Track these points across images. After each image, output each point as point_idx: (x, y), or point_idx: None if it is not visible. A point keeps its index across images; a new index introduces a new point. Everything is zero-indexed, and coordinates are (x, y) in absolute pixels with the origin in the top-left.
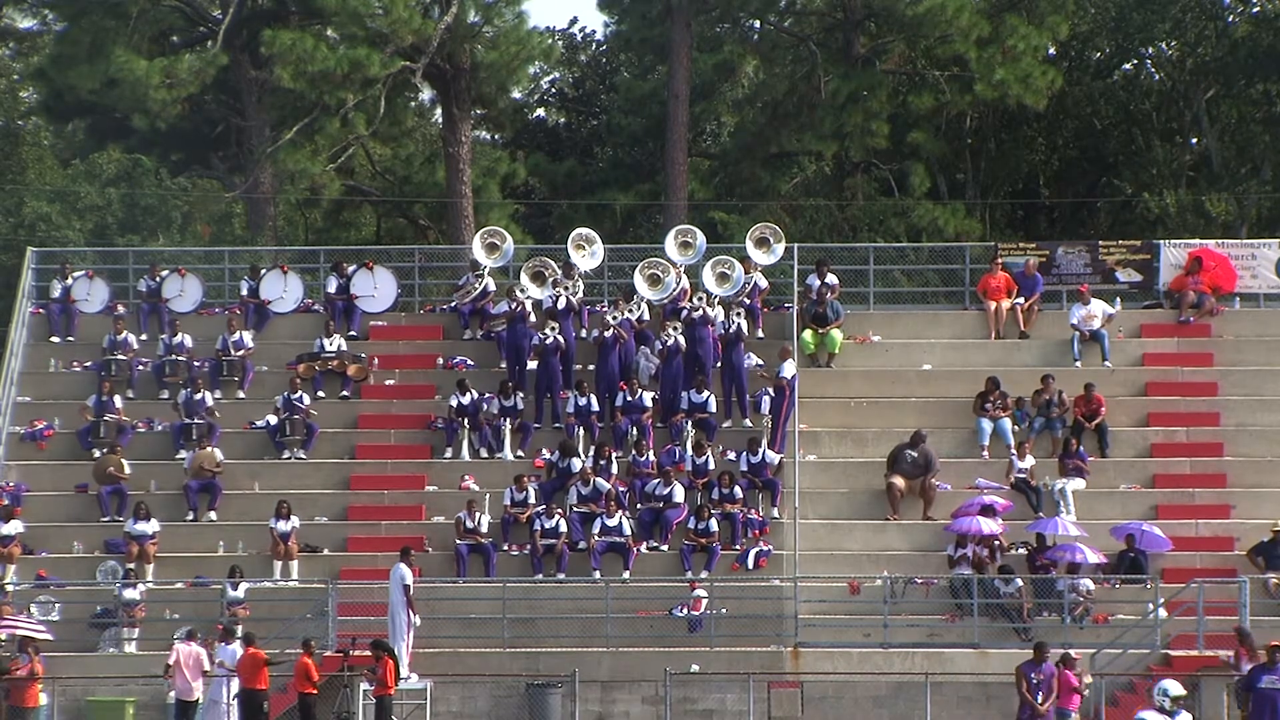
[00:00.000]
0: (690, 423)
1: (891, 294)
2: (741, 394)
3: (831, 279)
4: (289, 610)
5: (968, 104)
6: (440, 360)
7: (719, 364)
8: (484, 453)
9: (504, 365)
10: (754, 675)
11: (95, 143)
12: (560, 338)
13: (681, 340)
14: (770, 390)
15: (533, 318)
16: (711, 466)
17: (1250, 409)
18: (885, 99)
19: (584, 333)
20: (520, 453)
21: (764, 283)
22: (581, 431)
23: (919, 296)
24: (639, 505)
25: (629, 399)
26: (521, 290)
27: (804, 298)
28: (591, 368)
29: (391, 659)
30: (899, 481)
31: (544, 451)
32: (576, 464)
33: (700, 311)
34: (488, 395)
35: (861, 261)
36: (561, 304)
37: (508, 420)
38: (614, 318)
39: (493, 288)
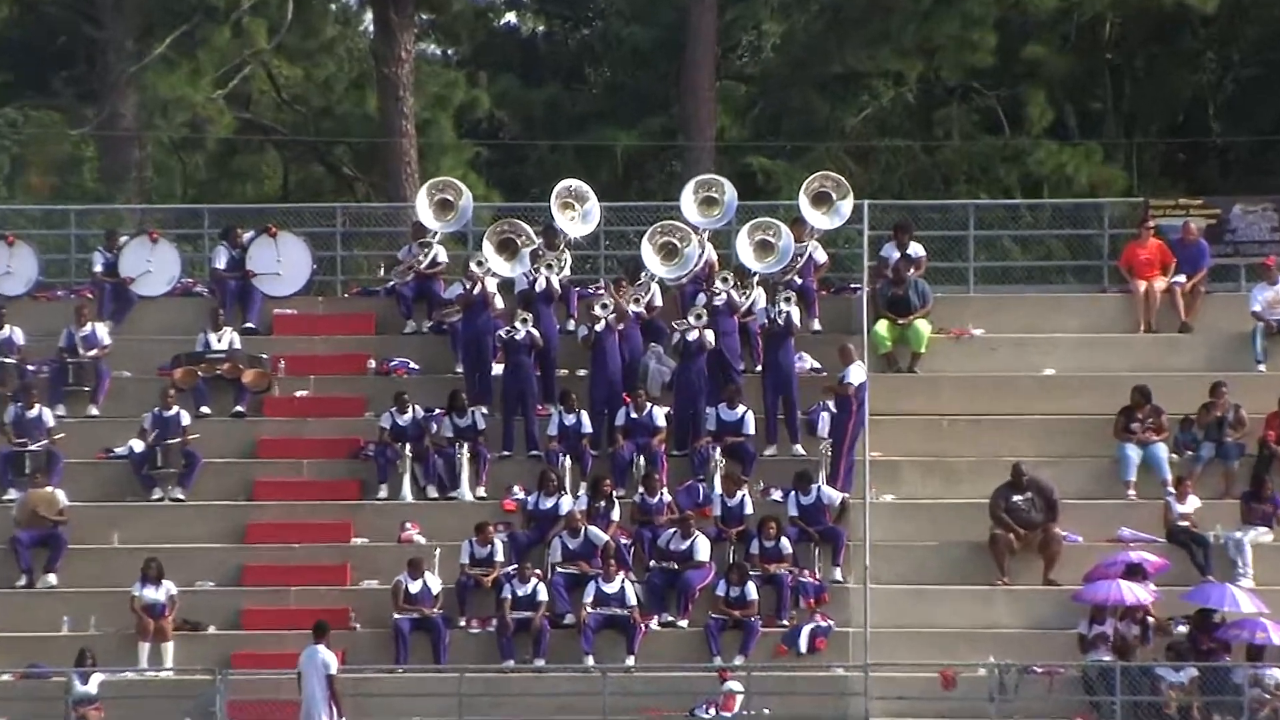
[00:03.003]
0: (719, 450)
1: (1000, 270)
2: (791, 409)
3: (916, 250)
4: (161, 711)
5: (1107, 5)
6: (372, 363)
7: (759, 368)
8: (432, 491)
9: (460, 369)
10: None
11: None
12: (536, 331)
13: (709, 336)
14: (830, 404)
15: (499, 304)
16: (749, 511)
17: None
18: None
19: (571, 325)
20: (482, 491)
21: (822, 256)
22: (568, 462)
23: (1038, 274)
24: (649, 564)
25: (634, 416)
26: (481, 265)
27: (878, 276)
28: (582, 373)
29: None
30: (1009, 532)
31: (516, 489)
32: (564, 505)
33: (724, 296)
34: (437, 412)
35: (958, 226)
36: (541, 285)
37: (464, 446)
38: (607, 305)
39: (443, 258)
